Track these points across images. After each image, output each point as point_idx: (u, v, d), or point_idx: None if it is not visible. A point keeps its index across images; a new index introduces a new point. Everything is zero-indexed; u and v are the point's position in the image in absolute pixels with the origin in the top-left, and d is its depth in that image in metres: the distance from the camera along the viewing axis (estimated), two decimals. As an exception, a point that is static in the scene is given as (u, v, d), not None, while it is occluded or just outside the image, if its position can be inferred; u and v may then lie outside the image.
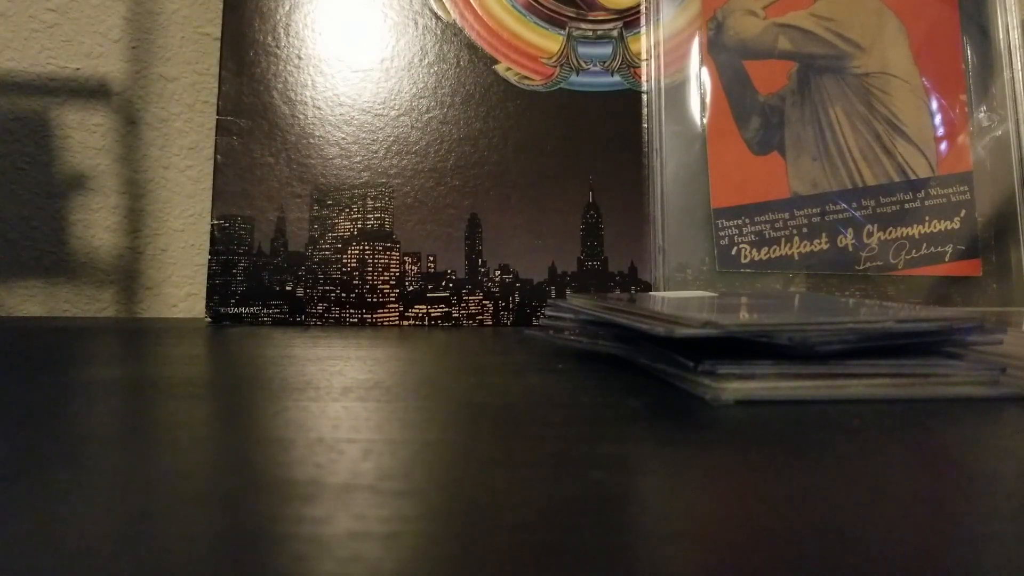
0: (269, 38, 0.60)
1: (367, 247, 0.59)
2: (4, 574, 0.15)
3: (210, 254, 0.58)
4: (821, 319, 0.32)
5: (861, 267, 0.60)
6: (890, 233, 0.60)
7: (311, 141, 0.59)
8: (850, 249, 0.60)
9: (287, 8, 0.60)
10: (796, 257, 0.60)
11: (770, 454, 0.24)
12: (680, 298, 0.45)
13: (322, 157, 0.59)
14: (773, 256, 0.60)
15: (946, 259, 0.60)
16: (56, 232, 0.66)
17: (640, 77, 0.61)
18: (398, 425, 0.26)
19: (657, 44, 0.61)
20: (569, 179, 0.60)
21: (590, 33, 0.62)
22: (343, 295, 0.58)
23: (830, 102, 0.61)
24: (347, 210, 0.59)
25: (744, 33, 0.62)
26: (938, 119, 0.62)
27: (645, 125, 0.61)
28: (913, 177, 0.61)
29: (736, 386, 0.30)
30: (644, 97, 0.61)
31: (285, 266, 0.58)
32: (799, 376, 0.31)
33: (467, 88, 0.60)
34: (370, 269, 0.58)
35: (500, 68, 0.61)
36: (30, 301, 0.66)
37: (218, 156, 0.58)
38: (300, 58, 0.60)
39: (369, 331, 0.55)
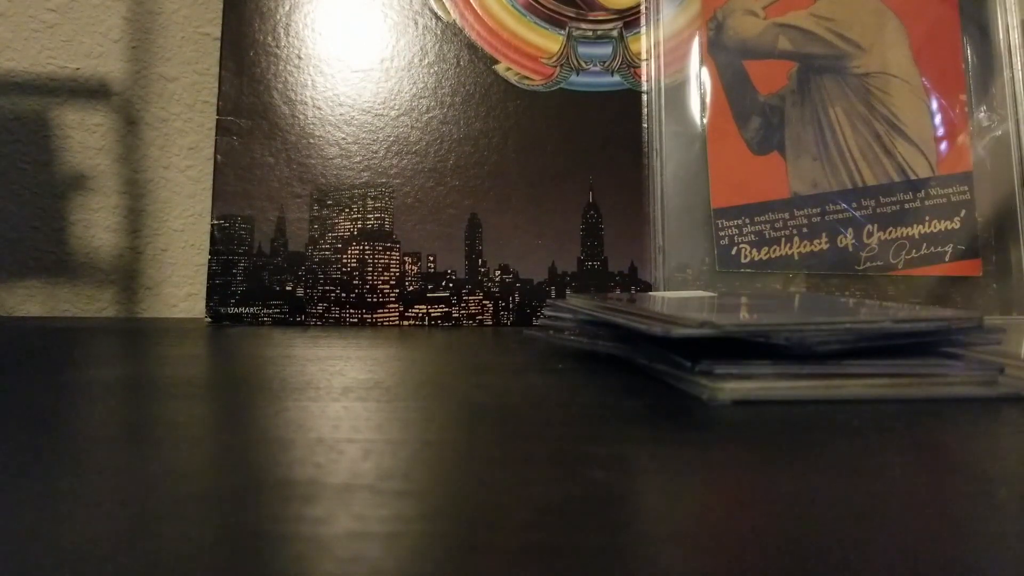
0: (269, 38, 0.60)
1: (367, 247, 0.59)
2: (4, 574, 0.15)
3: (210, 254, 0.58)
4: (819, 319, 0.32)
5: (861, 267, 0.60)
6: (890, 233, 0.60)
7: (311, 141, 0.59)
8: (850, 249, 0.60)
9: (287, 8, 0.60)
10: (796, 257, 0.60)
11: (767, 454, 0.24)
12: (680, 298, 0.45)
13: (322, 157, 0.59)
14: (773, 256, 0.60)
15: (946, 259, 0.60)
16: (56, 232, 0.66)
17: (640, 77, 0.61)
18: (398, 425, 0.27)
19: (657, 44, 0.61)
20: (569, 179, 0.60)
21: (590, 33, 0.62)
22: (343, 295, 0.58)
23: (830, 102, 0.62)
24: (347, 210, 0.59)
25: (744, 33, 0.62)
26: (938, 119, 0.62)
27: (645, 125, 0.61)
28: (913, 177, 0.61)
29: (733, 386, 0.30)
30: (644, 97, 0.61)
31: (285, 266, 0.58)
32: (797, 376, 0.31)
33: (467, 88, 0.60)
34: (370, 269, 0.58)
35: (500, 68, 0.61)
36: (30, 301, 0.66)
37: (218, 156, 0.58)
38: (300, 58, 0.60)
39: (369, 331, 0.55)
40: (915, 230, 0.61)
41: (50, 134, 0.66)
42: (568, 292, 0.58)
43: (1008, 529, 0.18)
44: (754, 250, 0.60)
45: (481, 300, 0.59)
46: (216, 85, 0.60)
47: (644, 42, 0.62)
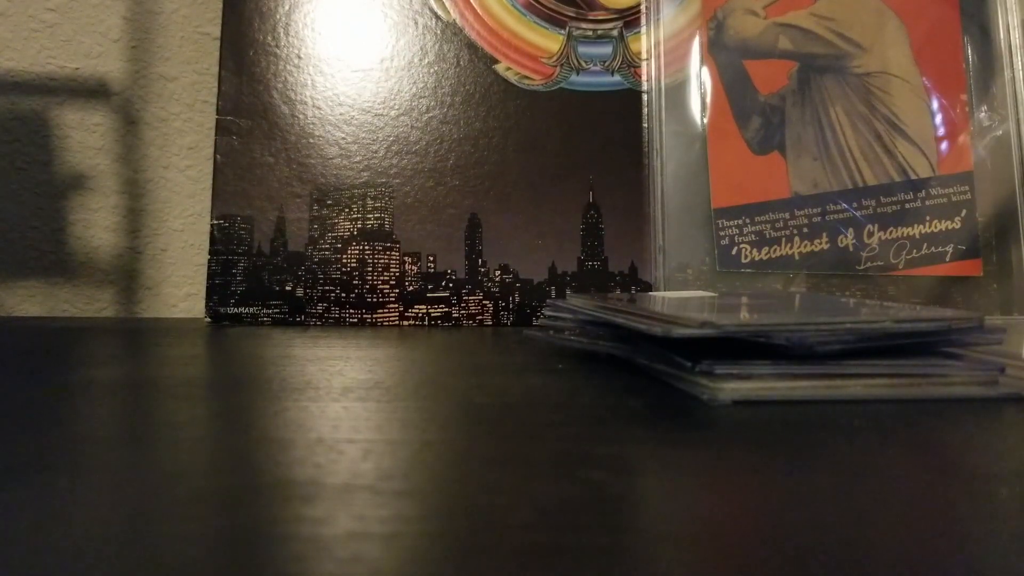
0: (269, 38, 0.60)
1: (367, 247, 0.59)
2: (4, 574, 0.15)
3: (210, 254, 0.58)
4: (819, 319, 0.32)
5: (862, 267, 0.60)
6: (891, 233, 0.60)
7: (311, 141, 0.59)
8: (851, 249, 0.60)
9: (287, 8, 0.60)
10: (797, 257, 0.60)
11: (768, 454, 0.24)
12: (680, 298, 0.45)
13: (322, 157, 0.59)
14: (773, 256, 0.60)
15: (947, 259, 0.60)
16: (56, 232, 0.66)
17: (640, 77, 0.61)
18: (398, 425, 0.27)
19: (657, 44, 0.61)
20: (569, 179, 0.60)
21: (590, 33, 0.62)
22: (343, 295, 0.58)
23: (831, 102, 0.61)
24: (347, 210, 0.59)
25: (744, 33, 0.62)
26: (939, 119, 0.62)
27: (645, 125, 0.61)
28: (914, 177, 0.61)
29: (734, 386, 0.30)
30: (644, 97, 0.61)
31: (285, 266, 0.58)
32: (797, 376, 0.31)
33: (467, 88, 0.60)
34: (370, 269, 0.58)
35: (500, 68, 0.61)
36: (30, 301, 0.66)
37: (218, 156, 0.58)
38: (300, 58, 0.60)
39: (369, 331, 0.55)
40: (916, 230, 0.61)
41: (50, 134, 0.66)
42: (568, 292, 0.58)
43: (1008, 529, 0.18)
44: (754, 250, 0.60)
45: (481, 300, 0.59)
46: (216, 85, 0.60)
47: (644, 42, 0.62)
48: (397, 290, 0.58)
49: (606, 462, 0.23)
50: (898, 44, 0.62)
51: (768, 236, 0.60)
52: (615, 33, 0.62)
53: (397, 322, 0.58)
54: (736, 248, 0.60)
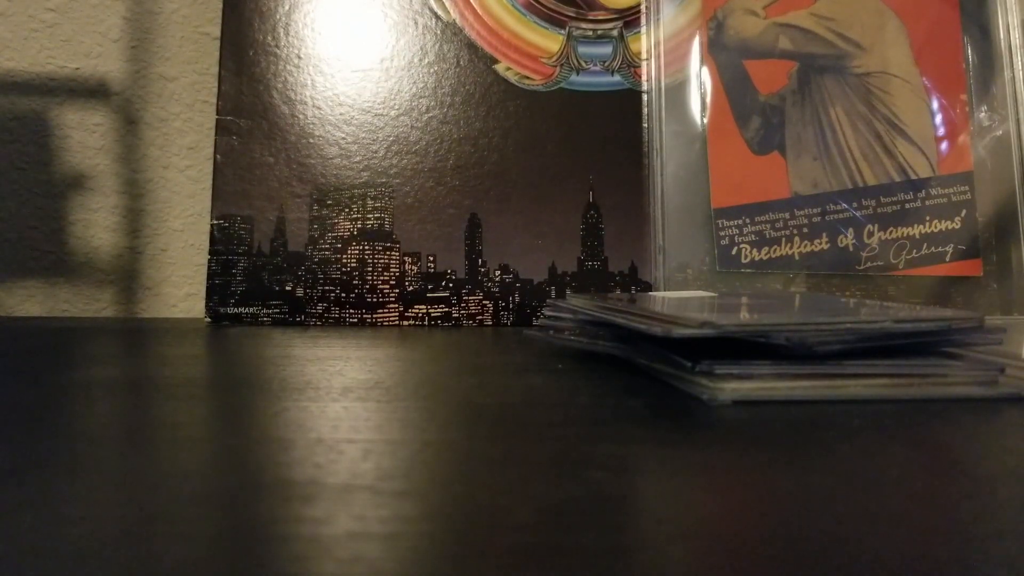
0: (269, 38, 0.60)
1: (367, 247, 0.59)
2: (5, 574, 0.15)
3: (210, 254, 0.58)
4: (819, 319, 0.32)
5: (862, 267, 0.60)
6: (891, 233, 0.60)
7: (311, 141, 0.59)
8: (851, 249, 0.60)
9: (287, 8, 0.60)
10: (797, 257, 0.60)
11: (768, 454, 0.24)
12: (680, 298, 0.45)
13: (322, 157, 0.59)
14: (773, 256, 0.60)
15: (947, 259, 0.60)
16: (56, 232, 0.66)
17: (640, 77, 0.61)
18: (398, 425, 0.27)
19: (657, 44, 0.61)
20: (569, 179, 0.60)
21: (590, 33, 0.62)
22: (343, 295, 0.58)
23: (831, 102, 0.61)
24: (347, 210, 0.59)
25: (744, 33, 0.62)
26: (939, 119, 0.62)
27: (645, 125, 0.61)
28: (914, 177, 0.61)
29: (734, 386, 0.30)
30: (644, 97, 0.61)
31: (285, 266, 0.58)
32: (797, 376, 0.31)
33: (467, 88, 0.60)
34: (370, 269, 0.58)
35: (500, 68, 0.61)
36: (30, 301, 0.66)
37: (218, 156, 0.58)
38: (300, 58, 0.60)
39: (369, 331, 0.55)
40: (916, 230, 0.61)
41: (50, 134, 0.66)
42: (568, 292, 0.58)
43: (1008, 529, 0.18)
44: (754, 250, 0.60)
45: (481, 300, 0.59)
46: (216, 85, 0.60)
47: (644, 42, 0.62)
48: (397, 290, 0.58)
49: (606, 462, 0.23)
50: (898, 44, 0.62)
51: (768, 236, 0.60)
52: (615, 33, 0.62)
53: (397, 322, 0.58)
54: (736, 248, 0.60)
